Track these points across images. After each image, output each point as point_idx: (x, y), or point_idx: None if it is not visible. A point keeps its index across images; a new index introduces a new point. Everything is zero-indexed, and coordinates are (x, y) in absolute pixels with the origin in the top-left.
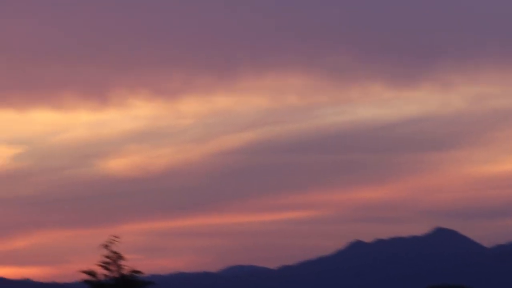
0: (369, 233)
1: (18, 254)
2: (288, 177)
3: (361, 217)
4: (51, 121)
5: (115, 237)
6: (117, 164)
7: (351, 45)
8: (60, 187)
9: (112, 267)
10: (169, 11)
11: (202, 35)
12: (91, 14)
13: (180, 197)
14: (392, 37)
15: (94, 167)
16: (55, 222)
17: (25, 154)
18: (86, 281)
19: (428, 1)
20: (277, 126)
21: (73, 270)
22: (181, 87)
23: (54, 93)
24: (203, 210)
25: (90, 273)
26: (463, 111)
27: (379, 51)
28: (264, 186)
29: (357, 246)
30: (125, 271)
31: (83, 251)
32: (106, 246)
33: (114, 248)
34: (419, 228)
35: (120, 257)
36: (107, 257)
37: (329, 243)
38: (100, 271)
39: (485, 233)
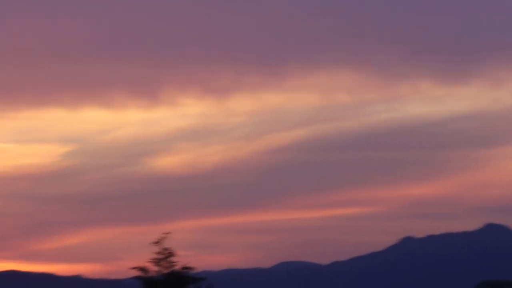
0: (420, 229)
1: (70, 251)
2: (338, 174)
3: (412, 213)
4: (101, 120)
5: (166, 234)
6: (167, 162)
7: (401, 42)
8: (110, 185)
9: (163, 264)
10: (219, 10)
11: (252, 33)
12: (141, 13)
13: (230, 194)
14: (442, 34)
15: (144, 165)
16: (106, 219)
17: (75, 152)
18: (137, 278)
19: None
20: (327, 124)
21: (124, 267)
22: (231, 85)
23: (105, 91)
24: (254, 207)
25: (142, 269)
26: None
27: (429, 48)
28: (315, 183)
29: (408, 242)
30: (177, 267)
31: (134, 248)
32: (157, 243)
33: (166, 245)
34: (470, 224)
35: (171, 253)
36: (159, 253)
37: (380, 239)
38: (152, 267)
39: None
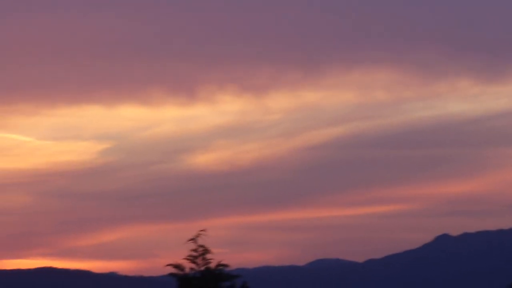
0: (456, 226)
1: (105, 248)
2: (375, 171)
3: (448, 210)
4: (139, 117)
5: (203, 231)
6: (205, 159)
7: (439, 40)
8: (147, 182)
9: (198, 261)
10: (256, 9)
11: (289, 31)
12: (179, 11)
13: (267, 191)
14: (480, 32)
15: (182, 162)
16: (142, 216)
17: (113, 149)
18: (172, 275)
19: None
20: (364, 121)
21: (159, 264)
22: (269, 83)
23: (142, 88)
24: (290, 204)
25: (177, 266)
26: None
27: (467, 46)
28: (351, 181)
29: (443, 240)
30: (212, 264)
31: (170, 245)
32: (193, 240)
33: (201, 242)
34: (507, 222)
35: (207, 250)
36: (194, 250)
37: (415, 237)
38: (187, 264)
39: None
